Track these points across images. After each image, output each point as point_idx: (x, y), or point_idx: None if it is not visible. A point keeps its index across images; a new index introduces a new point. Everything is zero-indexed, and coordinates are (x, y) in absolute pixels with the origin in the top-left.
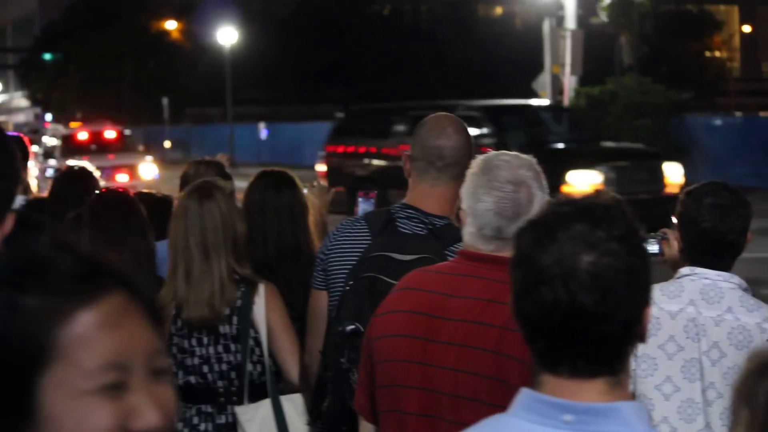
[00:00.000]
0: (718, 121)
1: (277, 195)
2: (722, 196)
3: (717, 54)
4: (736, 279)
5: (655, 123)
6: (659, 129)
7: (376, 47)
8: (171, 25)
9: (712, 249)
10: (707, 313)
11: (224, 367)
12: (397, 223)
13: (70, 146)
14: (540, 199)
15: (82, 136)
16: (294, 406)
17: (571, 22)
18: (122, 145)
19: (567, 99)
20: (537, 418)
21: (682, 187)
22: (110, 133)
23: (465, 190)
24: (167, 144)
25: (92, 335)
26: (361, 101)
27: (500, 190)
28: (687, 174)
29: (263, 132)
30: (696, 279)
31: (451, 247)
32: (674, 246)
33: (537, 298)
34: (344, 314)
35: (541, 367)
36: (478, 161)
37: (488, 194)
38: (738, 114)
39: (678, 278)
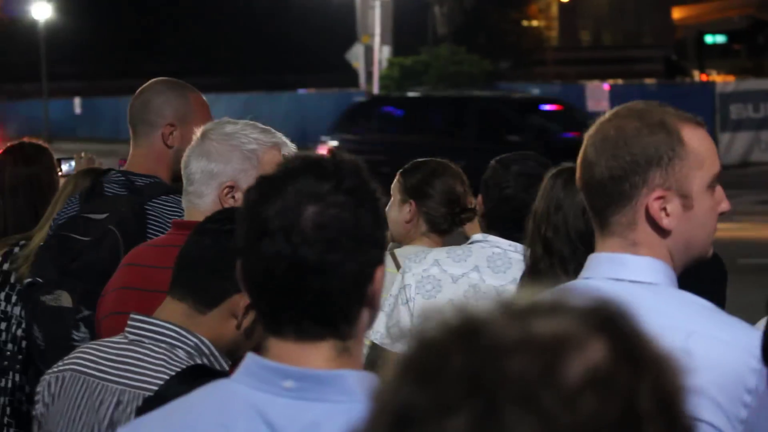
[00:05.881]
0: (541, 90)
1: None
2: (530, 165)
3: (535, 23)
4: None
5: None
6: None
7: (192, 21)
8: None
9: (513, 216)
10: (491, 282)
11: None
12: (104, 187)
13: None
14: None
15: None
16: None
17: None
18: None
19: (377, 70)
20: (257, 383)
21: None
22: None
23: (183, 159)
24: None
25: None
26: (178, 75)
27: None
28: None
29: (78, 106)
30: (486, 246)
31: (154, 201)
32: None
33: (260, 252)
34: (31, 271)
35: (266, 330)
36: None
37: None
38: (557, 82)
39: (469, 243)
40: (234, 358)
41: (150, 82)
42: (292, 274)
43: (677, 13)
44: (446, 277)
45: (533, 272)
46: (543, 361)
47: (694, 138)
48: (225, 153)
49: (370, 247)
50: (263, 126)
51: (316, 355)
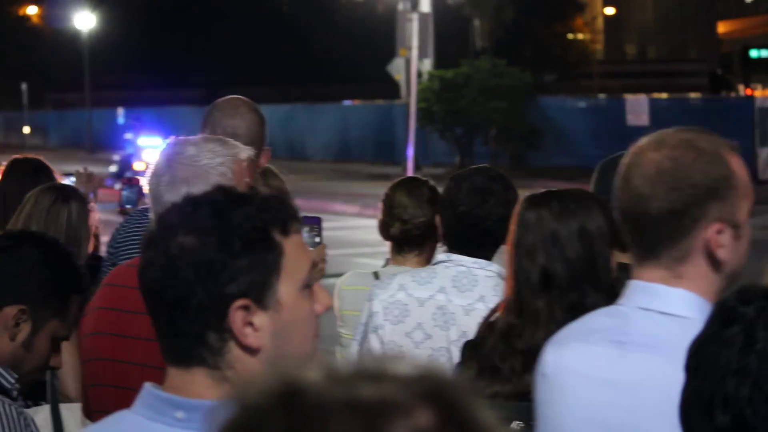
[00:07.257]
0: (582, 104)
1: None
2: (482, 180)
3: (580, 36)
4: (495, 267)
5: (510, 106)
6: (514, 111)
7: (237, 32)
8: (32, 10)
9: (470, 235)
10: (458, 302)
11: None
12: None
13: None
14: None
15: None
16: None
17: (426, 5)
18: None
19: (414, 83)
20: (153, 414)
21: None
22: None
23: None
24: (26, 130)
25: None
26: (223, 86)
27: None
28: (541, 157)
29: (122, 117)
30: (451, 266)
31: None
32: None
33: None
34: None
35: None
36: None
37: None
38: (601, 96)
39: (433, 264)
40: (21, 372)
41: (236, 99)
42: (149, 301)
43: (723, 27)
44: (413, 301)
45: (527, 312)
46: (367, 424)
47: (740, 166)
48: (202, 175)
49: (220, 282)
50: (217, 137)
51: (192, 382)
